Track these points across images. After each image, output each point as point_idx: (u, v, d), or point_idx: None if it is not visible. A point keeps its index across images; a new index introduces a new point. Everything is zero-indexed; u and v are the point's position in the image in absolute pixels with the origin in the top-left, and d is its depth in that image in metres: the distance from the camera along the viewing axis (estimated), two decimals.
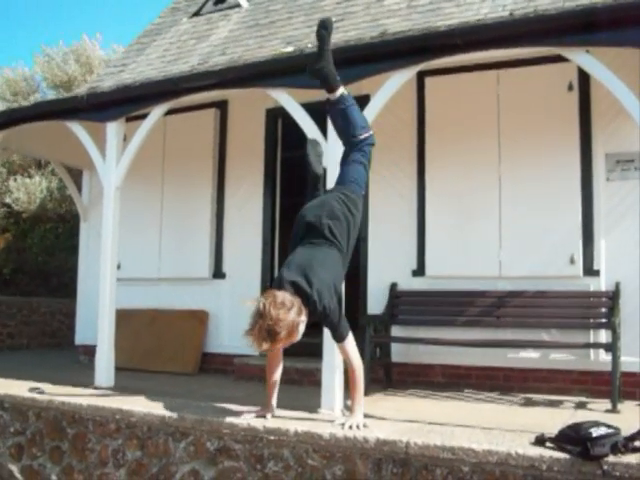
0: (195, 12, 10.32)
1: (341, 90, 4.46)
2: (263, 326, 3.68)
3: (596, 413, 5.09)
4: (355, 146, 4.43)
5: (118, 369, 6.51)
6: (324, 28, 4.48)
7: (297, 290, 3.86)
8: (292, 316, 3.73)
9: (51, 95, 15.18)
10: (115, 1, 42.59)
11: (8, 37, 36.62)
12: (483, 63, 6.31)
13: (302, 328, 3.85)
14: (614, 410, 5.21)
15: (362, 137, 4.44)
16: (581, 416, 4.73)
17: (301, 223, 4.28)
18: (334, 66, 4.47)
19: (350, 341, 4.21)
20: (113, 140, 6.62)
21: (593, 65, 4.84)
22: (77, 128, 6.89)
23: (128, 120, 6.78)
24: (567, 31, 4.89)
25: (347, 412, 4.73)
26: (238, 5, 9.89)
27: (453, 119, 6.85)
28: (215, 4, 10.18)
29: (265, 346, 3.79)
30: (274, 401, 4.46)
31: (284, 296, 3.78)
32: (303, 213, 4.32)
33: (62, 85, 15.42)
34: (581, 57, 4.89)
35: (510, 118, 6.59)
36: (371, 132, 4.51)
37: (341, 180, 4.47)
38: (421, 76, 6.72)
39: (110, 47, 16.78)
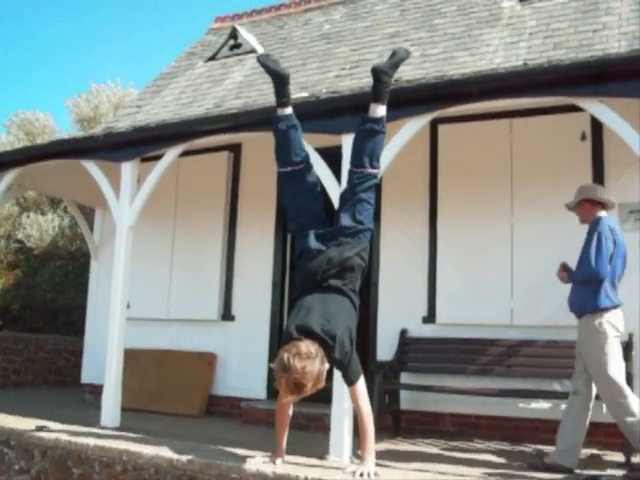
0: (211, 56, 10.50)
1: (385, 112, 4.42)
2: (290, 380, 3.64)
3: (609, 466, 5.00)
4: (365, 177, 4.36)
5: (124, 409, 6.44)
6: (407, 53, 4.59)
7: (317, 339, 3.82)
8: (317, 366, 3.70)
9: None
10: (130, 47, 43.41)
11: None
12: (496, 111, 6.33)
13: (325, 375, 3.81)
14: (628, 463, 5.10)
15: (376, 171, 4.42)
16: (594, 469, 4.66)
17: (313, 268, 4.24)
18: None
19: (361, 385, 4.17)
20: (128, 180, 6.67)
21: (607, 115, 4.87)
22: (92, 167, 6.94)
23: (142, 161, 6.84)
24: (581, 81, 4.94)
25: (355, 459, 4.66)
26: (253, 50, 10.04)
27: (466, 167, 6.88)
28: (231, 49, 10.36)
29: (291, 398, 3.76)
30: (284, 447, 4.40)
31: (308, 347, 3.73)
32: (316, 257, 4.26)
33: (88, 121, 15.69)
34: (595, 107, 4.93)
35: (522, 167, 6.61)
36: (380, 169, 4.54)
37: (354, 220, 4.33)
38: (434, 123, 6.73)
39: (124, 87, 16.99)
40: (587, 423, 4.95)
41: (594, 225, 5.03)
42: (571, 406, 5.04)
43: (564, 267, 5.29)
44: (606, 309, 4.89)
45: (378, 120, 4.38)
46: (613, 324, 4.90)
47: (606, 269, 4.90)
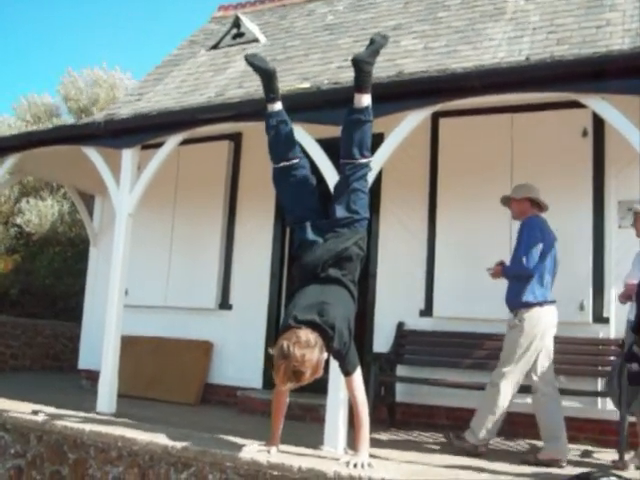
0: (213, 45, 10.47)
1: (369, 101, 4.39)
2: (288, 367, 3.64)
3: (603, 463, 5.02)
4: (356, 167, 4.35)
5: (120, 396, 6.45)
6: (384, 38, 4.52)
7: (316, 329, 3.82)
8: (316, 355, 3.69)
9: (70, 120, 15.35)
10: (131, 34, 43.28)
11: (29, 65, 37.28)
12: (498, 106, 6.32)
13: (323, 364, 3.81)
14: (621, 460, 5.12)
15: (367, 160, 4.40)
16: (588, 465, 4.67)
17: (311, 259, 4.24)
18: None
19: (358, 376, 4.17)
20: (128, 167, 6.65)
21: (609, 112, 4.86)
22: (93, 154, 6.93)
23: (143, 148, 6.83)
24: (583, 77, 4.92)
25: (349, 450, 4.68)
26: (256, 40, 10.03)
27: (466, 161, 6.87)
28: (233, 38, 10.33)
29: (290, 385, 3.76)
30: (279, 436, 4.41)
31: (307, 335, 3.72)
32: (314, 249, 4.27)
33: (83, 111, 15.62)
34: (597, 103, 4.92)
35: (523, 162, 6.60)
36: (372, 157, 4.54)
37: (348, 211, 4.33)
38: (435, 116, 6.73)
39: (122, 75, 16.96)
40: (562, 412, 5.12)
41: (526, 223, 5.27)
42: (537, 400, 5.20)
43: (501, 263, 5.46)
44: (529, 305, 5.11)
45: (364, 110, 4.37)
46: (537, 321, 5.10)
47: (535, 266, 5.12)
